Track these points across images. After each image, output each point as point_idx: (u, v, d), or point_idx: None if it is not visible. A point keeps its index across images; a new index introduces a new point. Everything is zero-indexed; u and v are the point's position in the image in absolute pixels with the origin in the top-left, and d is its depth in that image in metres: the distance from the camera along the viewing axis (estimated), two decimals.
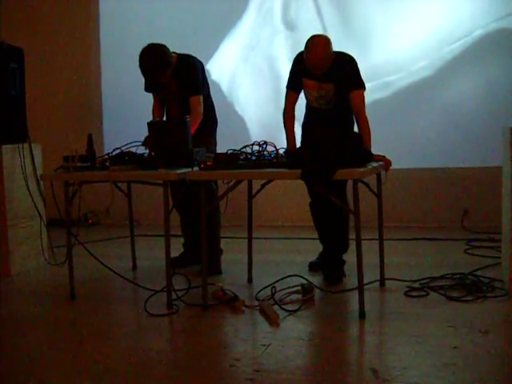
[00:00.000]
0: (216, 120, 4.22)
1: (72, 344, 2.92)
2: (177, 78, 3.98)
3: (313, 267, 4.06)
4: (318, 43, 3.57)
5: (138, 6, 6.47)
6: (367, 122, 3.68)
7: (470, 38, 5.60)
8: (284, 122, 3.91)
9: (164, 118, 4.20)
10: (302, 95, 3.91)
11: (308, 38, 3.63)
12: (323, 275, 3.82)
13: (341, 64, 3.66)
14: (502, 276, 3.62)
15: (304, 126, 3.99)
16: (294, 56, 3.84)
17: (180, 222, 4.33)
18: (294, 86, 3.86)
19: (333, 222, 3.83)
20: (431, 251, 4.70)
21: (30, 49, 4.88)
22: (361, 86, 3.71)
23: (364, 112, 3.70)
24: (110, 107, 6.61)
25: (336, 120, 3.77)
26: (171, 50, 3.92)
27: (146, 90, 4.17)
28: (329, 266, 3.86)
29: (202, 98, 4.00)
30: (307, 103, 3.92)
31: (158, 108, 4.21)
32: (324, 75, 3.64)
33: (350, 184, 3.18)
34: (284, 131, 3.91)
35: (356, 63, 3.73)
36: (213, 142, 4.16)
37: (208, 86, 4.15)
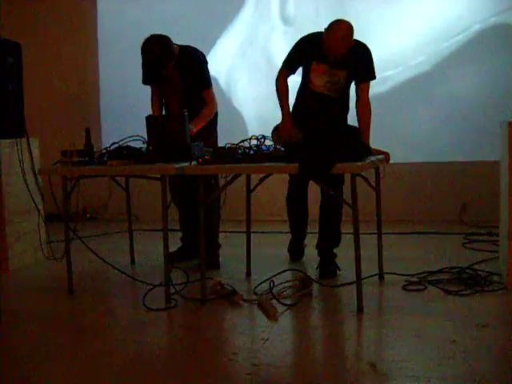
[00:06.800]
0: (216, 112, 4.19)
1: (70, 338, 2.93)
2: (179, 70, 3.93)
3: (295, 257, 4.25)
4: (344, 29, 3.44)
5: (136, 2, 6.46)
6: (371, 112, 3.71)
7: (469, 33, 5.60)
8: (278, 91, 3.71)
9: (163, 112, 4.17)
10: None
11: (333, 20, 3.48)
12: (318, 270, 3.83)
13: (356, 52, 3.57)
14: (499, 270, 3.63)
15: (300, 111, 3.79)
16: (302, 36, 3.68)
17: (179, 217, 4.33)
18: (294, 65, 3.71)
19: (329, 216, 3.84)
20: (429, 245, 4.71)
21: (28, 43, 4.86)
22: (374, 77, 3.69)
23: (370, 103, 3.71)
24: (108, 102, 6.60)
25: (338, 107, 3.73)
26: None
27: (144, 82, 4.12)
28: (322, 260, 3.87)
29: (213, 89, 4.01)
30: (305, 87, 3.76)
31: (156, 101, 4.16)
32: (338, 61, 3.55)
33: (348, 179, 3.18)
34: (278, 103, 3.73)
35: (371, 53, 3.65)
36: (213, 134, 4.14)
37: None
